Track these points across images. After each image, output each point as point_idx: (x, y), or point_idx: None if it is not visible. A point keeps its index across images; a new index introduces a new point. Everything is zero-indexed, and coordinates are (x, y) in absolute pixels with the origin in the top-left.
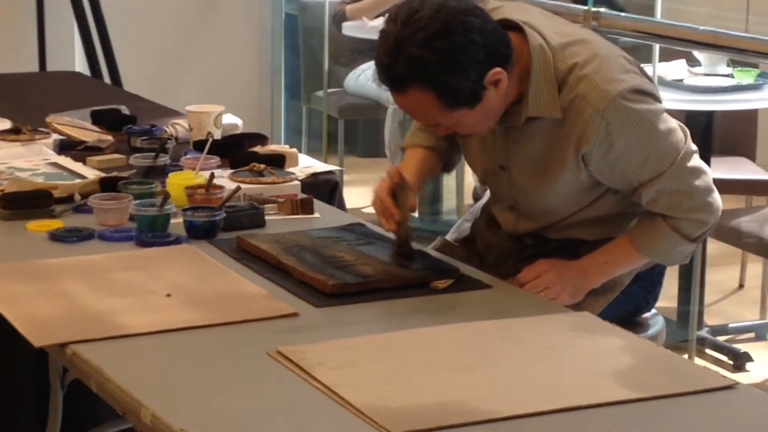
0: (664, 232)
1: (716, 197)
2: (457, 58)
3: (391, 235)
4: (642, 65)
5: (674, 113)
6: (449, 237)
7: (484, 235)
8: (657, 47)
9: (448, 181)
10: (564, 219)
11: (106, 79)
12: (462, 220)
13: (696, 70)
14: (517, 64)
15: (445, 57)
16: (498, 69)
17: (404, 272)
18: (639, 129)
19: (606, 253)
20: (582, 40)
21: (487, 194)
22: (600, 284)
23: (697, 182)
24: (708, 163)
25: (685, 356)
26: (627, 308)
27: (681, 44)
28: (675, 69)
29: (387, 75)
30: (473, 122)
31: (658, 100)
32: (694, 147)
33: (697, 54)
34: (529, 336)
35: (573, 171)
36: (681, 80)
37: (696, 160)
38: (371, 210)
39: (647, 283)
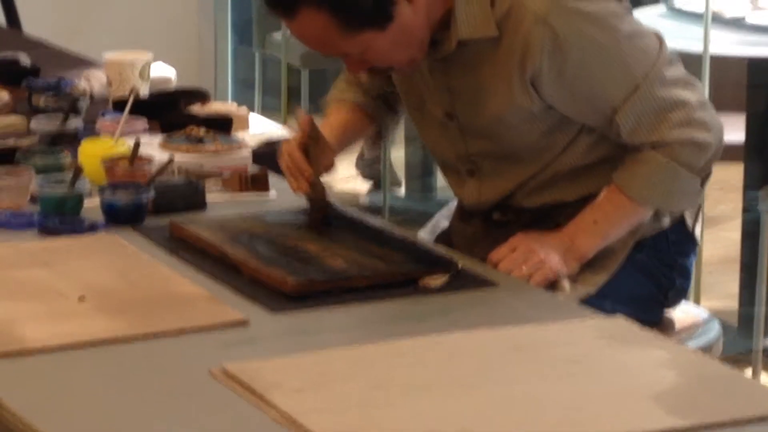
0: (657, 164)
1: (713, 114)
2: None
3: (380, 218)
4: None
5: (734, 59)
6: (422, 237)
7: (456, 228)
8: None
9: None
10: (534, 176)
11: (0, 18)
12: (438, 216)
13: (762, 4)
14: None
15: None
16: None
17: (386, 267)
18: (595, 32)
19: (593, 211)
20: None
21: None
22: (594, 252)
23: (684, 94)
24: None
25: (748, 372)
26: (646, 287)
27: None
28: (734, 3)
29: None
30: (388, 49)
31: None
32: (674, 55)
33: None
34: (546, 347)
35: (523, 102)
36: (742, 18)
37: (678, 69)
38: (346, 186)
39: (659, 253)
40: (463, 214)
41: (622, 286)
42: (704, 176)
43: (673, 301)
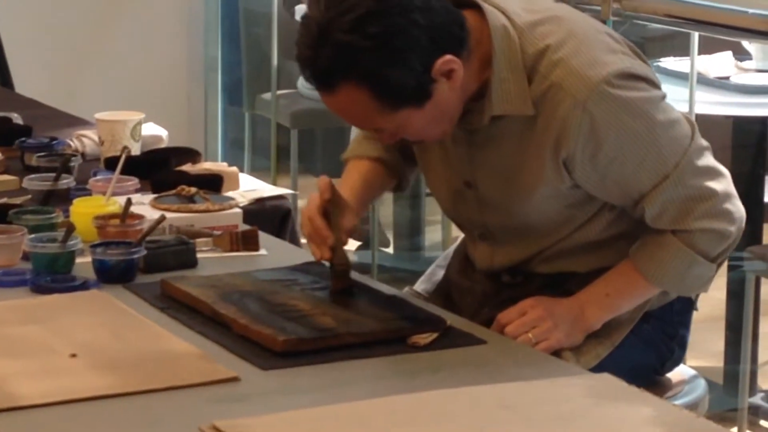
0: (675, 251)
1: (738, 205)
2: (395, 44)
3: (369, 276)
4: (677, 58)
5: (718, 119)
6: (419, 287)
7: (455, 280)
8: (696, 36)
9: (431, 206)
10: (550, 247)
11: None
12: (434, 266)
13: (746, 65)
14: (476, 50)
15: (379, 43)
16: (449, 56)
17: (375, 324)
18: (632, 121)
19: (606, 284)
20: (555, 17)
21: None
22: (601, 323)
23: (712, 184)
24: (761, 184)
25: (734, 430)
26: (646, 357)
27: (726, 32)
28: (719, 64)
29: (311, 70)
30: (424, 124)
31: (655, 85)
32: (704, 143)
33: (747, 44)
34: (535, 405)
35: (553, 181)
36: (727, 78)
37: (708, 159)
38: None
39: (664, 324)
40: (467, 270)
41: (624, 356)
42: (719, 263)
43: (667, 370)
